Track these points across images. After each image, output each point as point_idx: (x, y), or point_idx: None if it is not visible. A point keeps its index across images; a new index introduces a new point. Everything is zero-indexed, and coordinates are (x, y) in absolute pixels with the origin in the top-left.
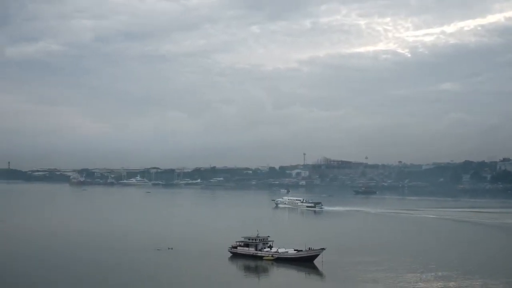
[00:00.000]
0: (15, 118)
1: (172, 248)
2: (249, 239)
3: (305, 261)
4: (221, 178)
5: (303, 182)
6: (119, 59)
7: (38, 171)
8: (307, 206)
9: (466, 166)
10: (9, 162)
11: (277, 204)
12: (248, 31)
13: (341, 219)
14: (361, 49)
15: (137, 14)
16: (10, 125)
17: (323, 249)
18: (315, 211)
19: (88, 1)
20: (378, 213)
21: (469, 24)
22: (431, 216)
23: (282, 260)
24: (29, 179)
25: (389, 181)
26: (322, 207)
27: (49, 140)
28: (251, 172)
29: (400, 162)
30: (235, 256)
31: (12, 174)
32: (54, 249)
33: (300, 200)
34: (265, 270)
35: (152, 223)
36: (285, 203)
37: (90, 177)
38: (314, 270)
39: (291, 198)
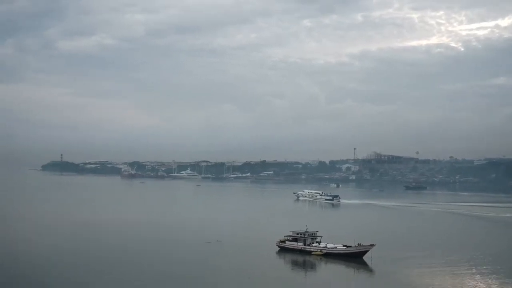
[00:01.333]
0: (68, 112)
1: (221, 241)
2: (297, 234)
3: (354, 257)
4: (271, 172)
5: (353, 177)
6: (171, 52)
7: (90, 163)
8: (326, 199)
9: None
10: (61, 155)
11: (298, 196)
12: (299, 25)
13: (358, 211)
14: (414, 43)
15: (188, 7)
16: (63, 118)
17: (372, 245)
18: (332, 204)
19: None
20: (390, 207)
21: None
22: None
23: (331, 256)
24: (81, 172)
25: (440, 176)
26: (340, 200)
27: (101, 133)
28: (301, 166)
29: (451, 157)
30: (283, 250)
31: (65, 167)
32: (108, 241)
33: (319, 193)
34: (313, 266)
35: (202, 216)
36: (305, 196)
37: (141, 170)
38: (364, 266)
39: (311, 191)
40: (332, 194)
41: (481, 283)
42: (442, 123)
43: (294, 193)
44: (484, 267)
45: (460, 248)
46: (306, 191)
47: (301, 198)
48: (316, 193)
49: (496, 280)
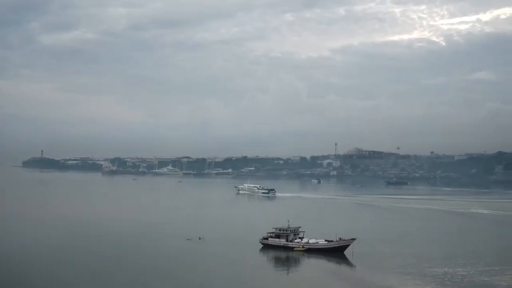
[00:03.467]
0: (48, 107)
1: (202, 238)
2: (280, 230)
3: (335, 252)
4: (252, 168)
5: (334, 173)
6: (154, 47)
7: (71, 159)
8: (263, 193)
9: (499, 157)
10: (42, 151)
11: (238, 190)
12: (282, 19)
13: (288, 202)
14: (396, 38)
15: (171, 1)
16: (44, 113)
17: (353, 239)
18: (268, 197)
19: None
20: (315, 198)
21: (506, 12)
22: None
23: (313, 251)
24: (62, 168)
25: (421, 171)
26: (275, 193)
27: (82, 128)
28: (282, 162)
29: (432, 152)
30: (266, 247)
31: (45, 163)
32: (85, 236)
33: (257, 187)
34: (296, 261)
35: (183, 213)
36: (245, 190)
37: (122, 166)
38: (345, 260)
39: (250, 185)
40: (268, 188)
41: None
42: (424, 118)
43: (235, 187)
44: (461, 260)
45: (432, 242)
46: (246, 185)
47: (241, 191)
48: (254, 187)
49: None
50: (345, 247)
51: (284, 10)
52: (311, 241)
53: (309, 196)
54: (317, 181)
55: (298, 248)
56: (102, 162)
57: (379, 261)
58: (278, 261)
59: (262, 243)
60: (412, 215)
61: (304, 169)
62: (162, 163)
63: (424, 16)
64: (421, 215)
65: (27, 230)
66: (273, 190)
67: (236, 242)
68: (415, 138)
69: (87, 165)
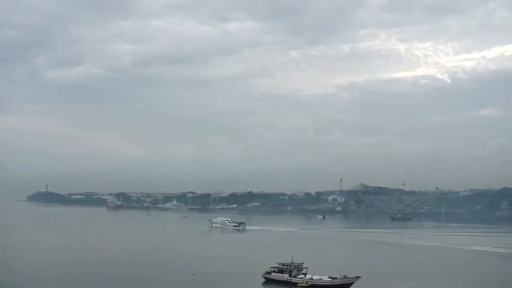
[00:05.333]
0: (53, 141)
1: (207, 273)
2: (283, 265)
3: None
4: (257, 203)
5: (339, 208)
6: (159, 83)
7: (75, 194)
8: (233, 226)
9: (505, 193)
10: (47, 185)
11: (212, 223)
12: (287, 56)
13: (260, 234)
14: (400, 74)
15: (176, 38)
16: (48, 148)
17: (358, 277)
18: (239, 230)
19: (128, 25)
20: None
21: (510, 49)
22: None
23: None
24: (66, 202)
25: (426, 207)
26: (245, 227)
27: (87, 163)
28: (287, 197)
29: (437, 188)
30: (269, 282)
31: (50, 197)
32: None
33: (228, 220)
34: None
35: (188, 247)
36: (217, 223)
37: (126, 201)
38: None
39: (222, 219)
40: (239, 221)
41: None
42: (429, 154)
43: (209, 220)
44: None
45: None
46: (219, 218)
47: (214, 225)
48: (226, 220)
49: None
50: (349, 285)
51: (290, 47)
52: (314, 277)
53: (274, 229)
54: (322, 216)
55: (302, 284)
56: (106, 197)
57: None
58: None
59: (265, 278)
60: (418, 251)
61: (309, 205)
62: (167, 198)
63: (429, 53)
64: (428, 252)
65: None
66: (243, 223)
67: (240, 277)
68: (420, 174)
69: (91, 200)
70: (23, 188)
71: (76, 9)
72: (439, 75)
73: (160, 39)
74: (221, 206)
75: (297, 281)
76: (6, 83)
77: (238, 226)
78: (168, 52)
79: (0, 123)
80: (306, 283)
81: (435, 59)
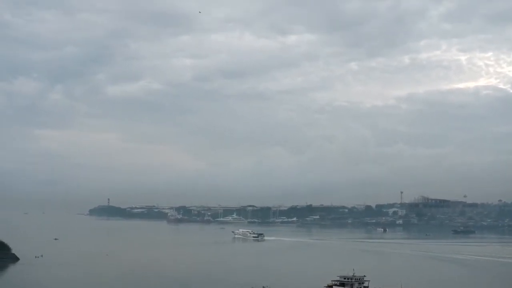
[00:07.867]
0: (113, 156)
1: (266, 287)
2: (344, 278)
3: None
4: (317, 216)
5: (400, 221)
6: (218, 97)
7: (136, 208)
8: (253, 237)
9: None
10: (108, 199)
11: (234, 235)
12: (346, 68)
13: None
14: (461, 85)
15: (235, 52)
16: (109, 163)
17: None
18: (258, 240)
19: (188, 40)
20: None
21: None
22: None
23: None
24: (128, 216)
25: (488, 220)
26: (264, 238)
27: (147, 177)
28: (347, 210)
29: (500, 200)
30: None
31: (112, 211)
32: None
33: (249, 231)
34: None
35: (247, 261)
36: (239, 234)
37: (187, 215)
38: None
39: (244, 230)
40: (258, 233)
41: None
42: (491, 166)
43: (232, 232)
44: None
45: None
46: (240, 230)
47: (236, 236)
48: (247, 231)
49: None
50: None
51: (349, 59)
52: None
53: (288, 240)
54: (382, 229)
55: None
56: (167, 210)
57: None
58: None
59: None
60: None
61: (369, 218)
62: (227, 211)
63: (491, 63)
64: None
65: None
66: (262, 234)
67: None
68: (483, 186)
69: (152, 213)
70: (85, 202)
71: (136, 25)
72: (501, 85)
73: (219, 53)
74: (281, 220)
75: None
76: (68, 98)
77: (257, 237)
78: (227, 66)
79: (62, 138)
80: None
81: (497, 69)
